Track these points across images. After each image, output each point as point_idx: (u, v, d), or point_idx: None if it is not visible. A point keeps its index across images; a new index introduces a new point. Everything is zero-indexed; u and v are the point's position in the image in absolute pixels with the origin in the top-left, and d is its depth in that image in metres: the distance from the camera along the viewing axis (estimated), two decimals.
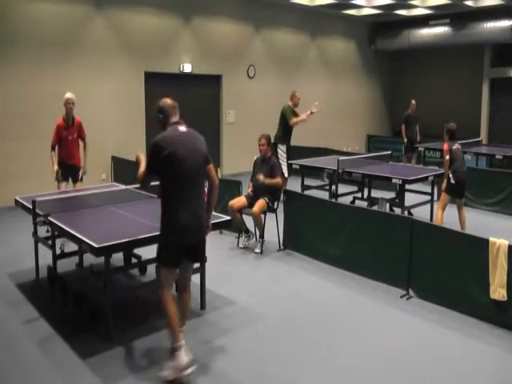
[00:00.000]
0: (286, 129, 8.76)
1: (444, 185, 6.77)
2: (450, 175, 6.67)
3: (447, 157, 6.67)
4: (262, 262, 6.01)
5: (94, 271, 4.92)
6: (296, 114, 8.79)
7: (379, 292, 5.04)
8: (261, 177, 6.23)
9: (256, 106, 12.49)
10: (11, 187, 8.06)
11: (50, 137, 6.73)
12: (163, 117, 3.62)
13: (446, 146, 6.79)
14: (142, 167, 3.61)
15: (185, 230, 3.45)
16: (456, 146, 6.80)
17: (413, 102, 11.90)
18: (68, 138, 6.69)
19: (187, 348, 3.50)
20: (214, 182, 3.72)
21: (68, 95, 6.69)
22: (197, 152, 3.54)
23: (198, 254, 3.71)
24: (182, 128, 3.58)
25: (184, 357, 3.43)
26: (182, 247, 3.51)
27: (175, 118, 3.62)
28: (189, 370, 3.43)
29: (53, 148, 6.69)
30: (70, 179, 6.84)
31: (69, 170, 6.78)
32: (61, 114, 6.74)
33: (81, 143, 6.90)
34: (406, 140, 11.68)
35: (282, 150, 8.72)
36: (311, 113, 8.69)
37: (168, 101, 3.72)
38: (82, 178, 6.89)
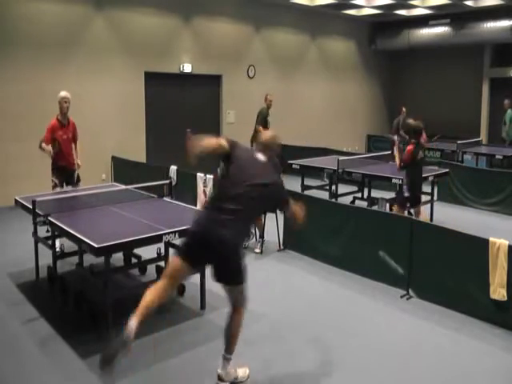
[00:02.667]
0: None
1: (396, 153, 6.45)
2: (404, 187, 6.16)
3: (402, 164, 6.12)
4: (261, 261, 6.01)
5: (94, 271, 4.92)
6: (269, 115, 9.79)
7: (379, 292, 5.04)
8: None
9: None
10: (11, 187, 8.06)
11: None
12: None
13: (408, 154, 6.05)
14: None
15: (205, 233, 3.25)
16: (420, 154, 6.19)
17: (404, 109, 11.90)
18: (63, 138, 6.45)
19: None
20: (292, 209, 3.58)
21: (64, 93, 6.48)
22: (256, 182, 3.29)
23: (220, 271, 3.34)
24: (259, 155, 3.47)
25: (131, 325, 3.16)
26: (199, 249, 3.27)
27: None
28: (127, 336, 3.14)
29: (41, 145, 6.35)
30: (64, 185, 6.58)
31: (64, 174, 6.53)
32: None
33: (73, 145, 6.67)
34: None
35: None
36: None
37: (266, 136, 3.66)
38: (78, 179, 6.66)
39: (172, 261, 3.43)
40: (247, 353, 3.86)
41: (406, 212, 6.44)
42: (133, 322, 3.17)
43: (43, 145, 6.37)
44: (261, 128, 9.47)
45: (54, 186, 6.43)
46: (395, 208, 6.43)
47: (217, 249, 3.24)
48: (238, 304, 3.48)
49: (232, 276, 3.36)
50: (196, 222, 3.37)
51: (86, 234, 3.98)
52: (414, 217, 6.36)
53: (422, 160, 6.33)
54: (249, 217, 3.42)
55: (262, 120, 9.63)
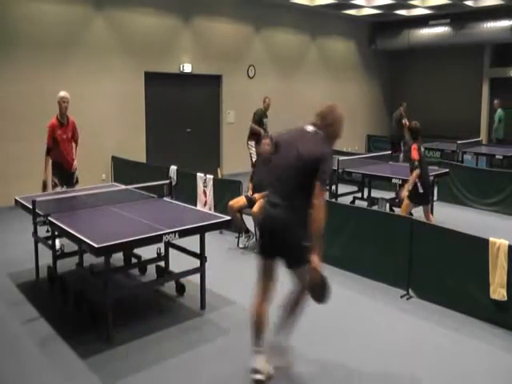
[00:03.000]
0: (255, 128, 9.67)
1: (404, 192, 6.30)
2: (418, 184, 6.24)
3: (416, 162, 6.18)
4: None
5: (94, 271, 4.92)
6: (267, 117, 9.90)
7: (379, 292, 5.04)
8: (255, 196, 6.32)
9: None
10: (12, 187, 8.06)
11: None
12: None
13: (415, 151, 6.21)
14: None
15: (264, 220, 3.46)
16: (422, 149, 6.39)
17: (404, 103, 12.86)
18: (63, 137, 6.39)
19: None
20: (313, 203, 3.21)
21: (63, 93, 6.40)
22: (298, 152, 3.29)
23: (286, 257, 3.39)
24: (308, 127, 3.45)
25: (257, 361, 3.41)
26: (266, 238, 3.43)
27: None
28: (256, 376, 3.40)
29: (48, 152, 6.35)
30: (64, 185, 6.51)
31: (64, 175, 6.48)
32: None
33: (73, 144, 6.62)
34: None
35: (251, 145, 9.71)
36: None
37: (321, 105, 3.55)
38: (77, 180, 6.60)
39: (258, 263, 3.50)
40: (245, 352, 3.87)
41: (411, 209, 6.50)
42: (262, 364, 3.40)
43: (47, 162, 6.36)
44: (255, 126, 9.68)
45: (54, 186, 6.41)
46: (404, 203, 6.39)
47: (277, 230, 3.31)
48: (304, 286, 3.49)
49: (292, 257, 3.37)
50: (262, 213, 3.55)
51: (86, 234, 3.98)
52: (423, 218, 6.37)
53: (425, 157, 6.45)
54: (295, 193, 3.29)
55: (258, 120, 9.76)
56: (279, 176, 3.40)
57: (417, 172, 6.18)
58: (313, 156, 3.28)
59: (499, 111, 12.57)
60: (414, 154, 6.22)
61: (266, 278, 3.47)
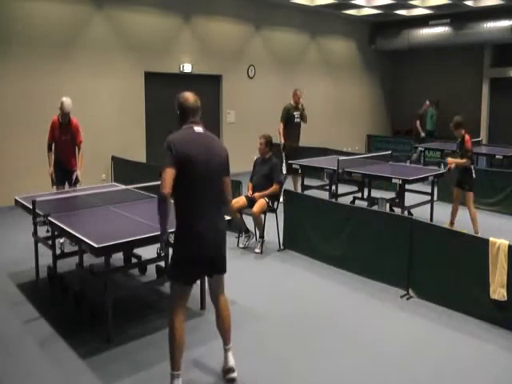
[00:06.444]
0: (286, 128, 8.94)
1: (450, 160, 6.76)
2: (473, 170, 6.64)
3: (470, 152, 6.64)
4: (262, 261, 6.01)
5: (94, 271, 4.92)
6: (297, 110, 9.09)
7: (379, 292, 5.04)
8: (255, 195, 6.30)
9: (256, 106, 12.49)
10: (11, 187, 8.06)
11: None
12: (180, 115, 3.31)
13: (469, 142, 6.68)
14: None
15: (200, 240, 3.20)
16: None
17: (427, 102, 13.52)
18: (61, 138, 6.28)
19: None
20: (225, 199, 3.39)
21: (65, 103, 6.20)
22: (213, 156, 3.24)
23: (217, 266, 3.42)
24: (198, 129, 3.26)
25: None
26: (198, 261, 3.26)
27: (193, 119, 3.28)
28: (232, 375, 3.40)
29: (49, 148, 6.38)
30: (66, 183, 6.50)
31: (64, 173, 6.44)
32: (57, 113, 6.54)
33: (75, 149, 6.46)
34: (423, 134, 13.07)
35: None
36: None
37: (190, 99, 3.29)
38: (77, 179, 6.44)
39: (179, 289, 3.43)
40: (245, 352, 3.87)
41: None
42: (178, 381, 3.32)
43: (50, 157, 6.45)
44: (280, 125, 8.95)
45: (53, 182, 6.48)
46: (468, 196, 6.66)
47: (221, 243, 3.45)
48: (223, 291, 3.65)
49: (224, 262, 3.51)
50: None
51: (86, 234, 3.98)
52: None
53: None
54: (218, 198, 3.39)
55: (285, 117, 8.98)
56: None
57: (468, 161, 6.56)
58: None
59: (431, 109, 13.47)
60: (469, 145, 6.67)
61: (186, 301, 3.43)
